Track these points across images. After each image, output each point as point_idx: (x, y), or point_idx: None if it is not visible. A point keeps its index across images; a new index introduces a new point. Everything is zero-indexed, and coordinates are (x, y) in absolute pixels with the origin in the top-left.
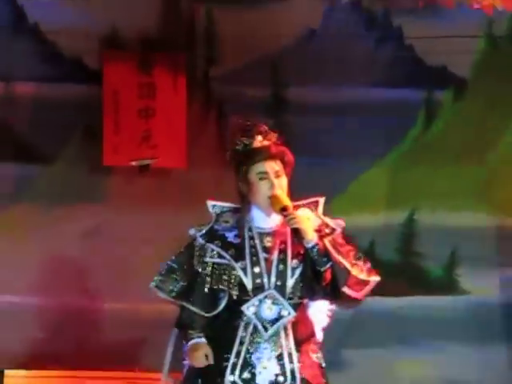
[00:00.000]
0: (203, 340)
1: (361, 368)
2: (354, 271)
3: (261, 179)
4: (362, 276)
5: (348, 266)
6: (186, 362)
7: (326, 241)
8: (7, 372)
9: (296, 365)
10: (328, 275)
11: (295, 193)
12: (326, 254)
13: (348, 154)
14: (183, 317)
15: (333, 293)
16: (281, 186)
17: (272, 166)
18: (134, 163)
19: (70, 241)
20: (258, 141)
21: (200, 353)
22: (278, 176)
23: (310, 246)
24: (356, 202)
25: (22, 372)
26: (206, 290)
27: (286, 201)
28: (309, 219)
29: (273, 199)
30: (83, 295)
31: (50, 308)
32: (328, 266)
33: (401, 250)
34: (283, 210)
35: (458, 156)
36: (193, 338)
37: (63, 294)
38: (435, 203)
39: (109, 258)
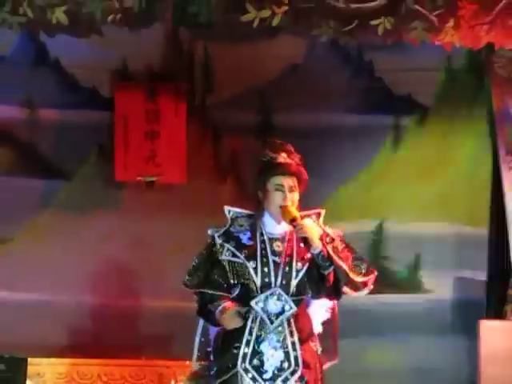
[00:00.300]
0: (229, 302)
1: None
2: (352, 274)
3: (276, 190)
4: (358, 278)
5: (347, 269)
6: (209, 349)
7: (329, 247)
8: (30, 360)
9: (298, 352)
10: (331, 278)
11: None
12: (329, 259)
13: (325, 171)
14: (203, 300)
15: (335, 292)
16: (292, 200)
17: (288, 181)
18: (141, 179)
19: (87, 244)
20: (282, 157)
21: (229, 313)
22: (291, 191)
23: (316, 252)
24: (333, 214)
25: (44, 360)
26: (221, 281)
27: (296, 213)
28: (313, 228)
29: (284, 210)
30: (104, 291)
31: (73, 304)
32: (331, 269)
33: (371, 254)
34: (293, 220)
35: (420, 173)
36: (219, 305)
37: (84, 290)
38: (401, 214)
39: (122, 259)
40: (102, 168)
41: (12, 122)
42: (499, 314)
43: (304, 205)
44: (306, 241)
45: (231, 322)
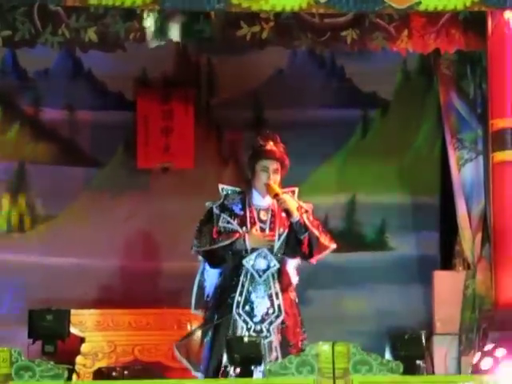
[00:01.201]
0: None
1: (318, 304)
2: (322, 239)
3: (262, 171)
4: (326, 242)
5: (317, 234)
6: (207, 299)
7: (304, 216)
8: (73, 311)
9: (281, 301)
10: (305, 241)
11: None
12: (304, 226)
13: (307, 155)
14: (217, 250)
15: (308, 254)
16: (275, 180)
17: (273, 165)
18: (158, 166)
19: (117, 220)
20: (270, 145)
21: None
22: (275, 173)
23: (295, 221)
24: (313, 189)
25: (85, 311)
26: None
27: (278, 189)
28: (292, 201)
29: (268, 187)
30: (133, 256)
31: (107, 266)
32: (306, 234)
33: (346, 220)
34: (276, 195)
35: (385, 154)
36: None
37: (117, 255)
38: (370, 188)
39: (146, 230)
40: (127, 158)
41: (56, 122)
42: (449, 267)
43: (290, 181)
44: (287, 212)
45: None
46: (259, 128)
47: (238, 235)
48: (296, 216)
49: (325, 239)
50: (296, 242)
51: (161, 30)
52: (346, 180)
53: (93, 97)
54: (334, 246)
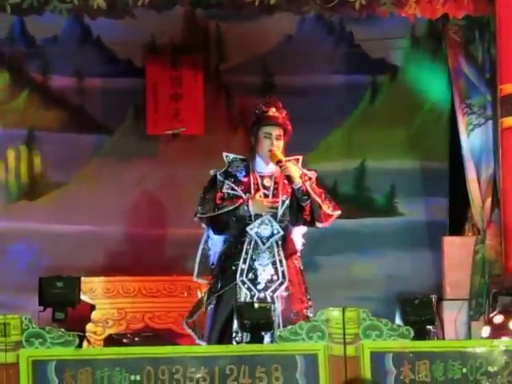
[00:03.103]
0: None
1: (328, 269)
2: (324, 207)
3: (265, 137)
4: (329, 211)
5: (320, 202)
6: (212, 266)
7: (307, 184)
8: (83, 279)
9: (285, 268)
10: (307, 208)
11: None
12: (306, 193)
13: (317, 121)
14: (221, 216)
15: (310, 221)
16: (278, 146)
17: (275, 131)
18: (168, 132)
19: (127, 186)
20: (272, 111)
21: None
22: (277, 139)
23: (297, 187)
24: (324, 155)
25: (95, 278)
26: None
27: (281, 156)
28: (295, 168)
29: (271, 154)
30: (142, 222)
31: (117, 233)
32: (308, 202)
33: (355, 186)
34: (278, 162)
35: (394, 120)
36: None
37: (126, 222)
38: (379, 153)
39: (155, 196)
40: (137, 124)
41: (64, 89)
42: (459, 232)
43: (299, 148)
44: (289, 178)
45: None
46: (268, 94)
47: (241, 201)
48: (298, 182)
49: (328, 207)
50: (298, 209)
51: None
52: (356, 146)
53: (101, 64)
54: (338, 213)
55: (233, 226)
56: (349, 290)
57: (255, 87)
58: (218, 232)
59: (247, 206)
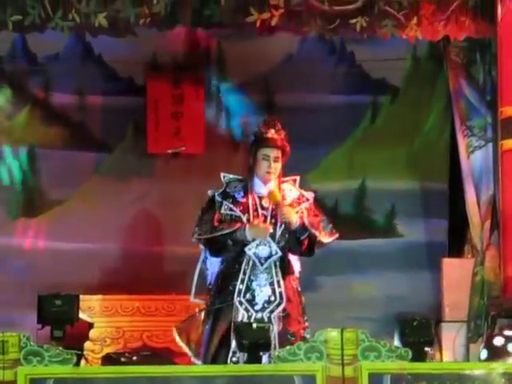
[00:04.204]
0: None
1: (327, 289)
2: (321, 236)
3: (263, 159)
4: (325, 239)
5: (318, 234)
6: (209, 286)
7: (305, 212)
8: (82, 296)
9: (283, 289)
10: (305, 242)
11: (285, 166)
12: (304, 227)
13: (317, 141)
14: (219, 239)
15: (308, 252)
16: (275, 168)
17: (274, 153)
18: (168, 150)
19: (126, 204)
20: (271, 133)
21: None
22: (275, 161)
23: (294, 227)
24: (324, 175)
25: (94, 296)
26: (226, 218)
27: (279, 197)
28: (291, 213)
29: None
30: (141, 240)
31: (117, 250)
32: (306, 235)
33: (355, 206)
34: (276, 203)
35: (394, 141)
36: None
37: (125, 240)
38: (379, 174)
39: (154, 215)
40: (137, 142)
41: (66, 106)
42: (458, 253)
43: (301, 167)
44: (286, 223)
45: (255, 230)
46: (269, 113)
47: (239, 225)
48: (295, 223)
49: (324, 235)
50: (296, 242)
51: (171, 15)
52: (356, 166)
53: (103, 81)
54: (334, 237)
55: (230, 248)
56: (348, 310)
57: (256, 105)
58: (214, 254)
59: (244, 230)
